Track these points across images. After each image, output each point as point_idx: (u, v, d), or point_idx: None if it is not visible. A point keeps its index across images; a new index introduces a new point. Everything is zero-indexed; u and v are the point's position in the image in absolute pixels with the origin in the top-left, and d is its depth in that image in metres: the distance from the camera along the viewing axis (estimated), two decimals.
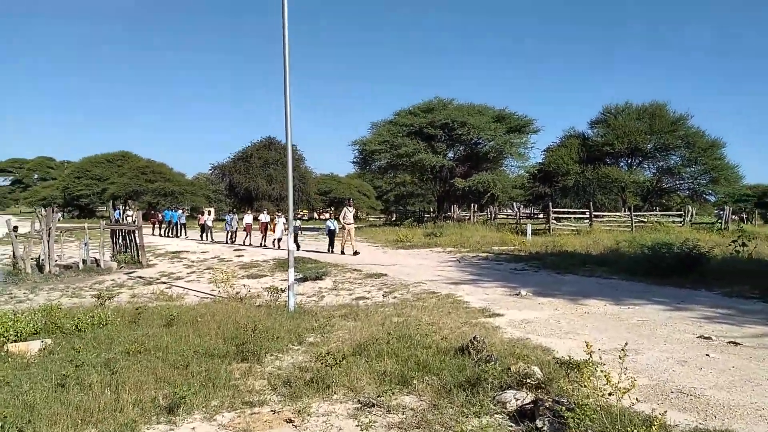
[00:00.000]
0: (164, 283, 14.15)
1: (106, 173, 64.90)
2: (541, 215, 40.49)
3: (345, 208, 20.30)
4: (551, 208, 31.97)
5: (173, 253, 21.33)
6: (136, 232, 17.78)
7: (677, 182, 41.76)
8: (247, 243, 24.98)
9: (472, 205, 39.61)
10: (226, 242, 26.08)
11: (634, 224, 30.72)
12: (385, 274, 13.94)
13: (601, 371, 4.85)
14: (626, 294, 10.60)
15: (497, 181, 40.43)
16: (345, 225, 19.69)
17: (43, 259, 15.64)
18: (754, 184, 73.26)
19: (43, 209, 17.32)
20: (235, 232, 26.69)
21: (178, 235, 32.01)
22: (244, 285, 13.40)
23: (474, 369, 5.76)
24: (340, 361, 5.96)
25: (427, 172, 43.51)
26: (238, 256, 19.83)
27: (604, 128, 41.51)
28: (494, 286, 11.97)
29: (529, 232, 27.75)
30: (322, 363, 5.93)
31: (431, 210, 52.23)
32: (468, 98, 47.95)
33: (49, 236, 15.40)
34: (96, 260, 16.93)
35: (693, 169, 39.53)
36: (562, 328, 7.90)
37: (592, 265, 14.71)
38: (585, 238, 23.91)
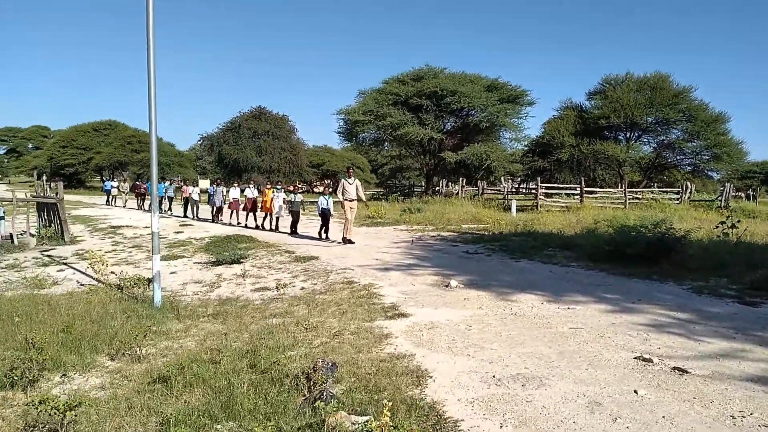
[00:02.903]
0: (65, 264, 12.42)
1: (91, 143, 63.16)
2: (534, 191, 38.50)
3: (343, 180, 14.92)
4: (539, 184, 30.04)
5: (113, 227, 19.62)
6: (58, 205, 16.01)
7: (678, 158, 39.43)
8: (233, 222, 21.02)
9: (461, 179, 37.66)
10: (212, 219, 22.38)
11: (628, 201, 28.75)
12: (317, 257, 12.17)
13: None
14: (575, 287, 8.75)
15: (490, 153, 38.32)
16: (344, 202, 14.64)
17: None
18: (762, 161, 70.76)
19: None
20: (221, 207, 22.36)
21: (163, 209, 28.36)
22: (148, 269, 11.67)
23: (296, 412, 4.01)
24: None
25: (414, 145, 41.41)
26: (177, 232, 18.09)
27: (602, 100, 39.07)
28: (428, 273, 10.16)
29: (513, 208, 25.95)
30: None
31: (422, 184, 50.22)
32: (461, 68, 45.56)
33: None
34: (11, 235, 15.23)
35: (695, 144, 37.13)
36: (468, 339, 6.10)
37: (554, 249, 12.85)
38: (571, 215, 22.05)
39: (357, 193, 14.71)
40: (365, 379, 4.86)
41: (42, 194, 17.63)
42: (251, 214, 20.21)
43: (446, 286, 8.95)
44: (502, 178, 42.17)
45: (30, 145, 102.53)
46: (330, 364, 4.80)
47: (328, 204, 15.51)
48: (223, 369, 5.15)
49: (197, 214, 24.45)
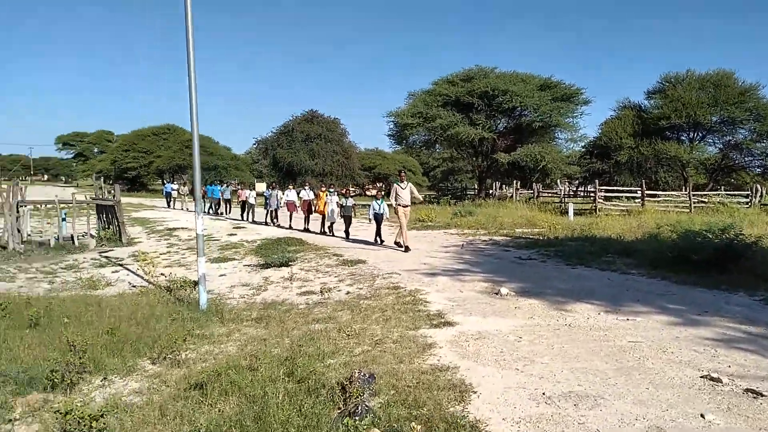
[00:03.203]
0: (120, 265, 12.69)
1: (152, 146, 65.31)
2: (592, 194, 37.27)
3: (395, 185, 14.07)
4: (598, 186, 29.02)
5: (170, 230, 20.05)
6: (116, 207, 16.45)
7: (746, 159, 37.36)
8: (292, 225, 20.23)
9: (515, 182, 36.87)
10: (266, 222, 22.27)
11: (693, 205, 27.37)
12: (364, 261, 12.00)
13: None
14: (634, 297, 8.23)
15: (545, 154, 37.35)
16: (397, 208, 13.86)
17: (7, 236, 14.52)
18: None
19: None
20: (276, 210, 21.90)
21: (219, 212, 29.23)
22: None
23: (329, 427, 3.82)
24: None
25: (465, 146, 40.82)
26: (230, 234, 18.32)
27: (662, 99, 37.43)
28: (478, 279, 9.81)
29: (570, 212, 25.11)
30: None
31: (475, 187, 49.44)
32: (512, 68, 44.56)
33: (10, 210, 14.21)
34: (72, 237, 15.73)
35: (764, 145, 35.12)
36: (517, 351, 5.76)
37: (613, 255, 12.22)
38: (632, 220, 21.10)
39: (412, 197, 14.12)
40: (405, 392, 4.61)
41: (101, 197, 18.13)
42: (307, 217, 19.60)
43: (496, 294, 8.59)
44: (559, 181, 41.02)
45: (96, 150, 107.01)
46: (367, 375, 4.57)
47: (380, 208, 15.07)
48: (261, 377, 5.00)
49: (254, 217, 24.33)
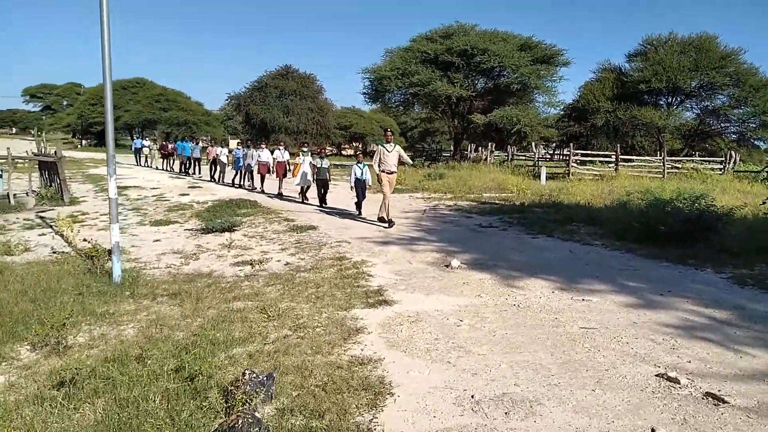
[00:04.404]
0: (50, 227, 11.71)
1: (120, 101, 62.80)
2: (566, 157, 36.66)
3: (380, 147, 11.88)
4: (573, 150, 28.38)
5: (121, 188, 18.93)
6: (57, 164, 15.33)
7: (722, 125, 36.95)
8: (259, 188, 18.48)
9: (490, 144, 36.07)
10: (234, 184, 20.22)
11: (666, 170, 26.90)
12: (316, 227, 11.22)
13: None
14: (594, 272, 7.59)
15: (521, 117, 36.48)
16: (380, 175, 11.71)
17: None
18: None
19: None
20: (251, 172, 19.29)
21: (189, 171, 26.45)
22: (134, 235, 10.91)
23: None
24: None
25: (442, 106, 39.78)
26: (182, 194, 17.33)
27: (643, 62, 36.60)
28: (431, 249, 9.10)
29: (543, 176, 24.58)
30: None
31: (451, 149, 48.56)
32: (493, 25, 43.30)
33: None
34: (7, 195, 14.64)
35: (741, 111, 34.63)
36: (454, 338, 5.06)
37: (578, 224, 11.60)
38: (604, 185, 20.51)
39: (400, 161, 12.04)
40: (310, 395, 3.88)
41: (41, 152, 16.95)
42: (281, 181, 17.48)
43: (447, 266, 7.89)
44: (534, 144, 40.35)
45: (65, 103, 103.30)
46: (263, 375, 3.82)
47: (363, 174, 12.86)
48: (146, 372, 4.23)
49: (224, 178, 22.08)
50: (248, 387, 3.63)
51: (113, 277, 7.04)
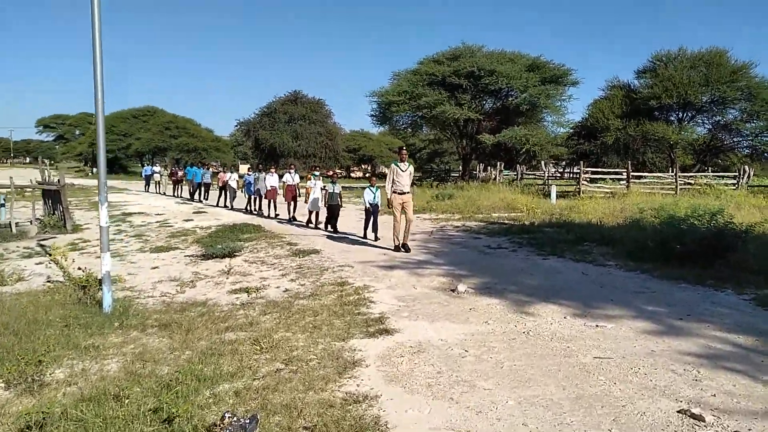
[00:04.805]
0: (49, 255, 11.49)
1: (131, 129, 63.46)
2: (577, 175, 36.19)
3: (393, 166, 10.93)
4: (583, 168, 27.99)
5: (125, 214, 18.83)
6: (60, 191, 15.21)
7: (735, 140, 36.41)
8: (271, 215, 17.78)
9: (498, 164, 35.76)
10: (247, 210, 19.64)
11: (679, 187, 26.43)
12: (319, 251, 10.93)
13: None
14: (609, 295, 7.20)
15: (530, 137, 36.18)
16: (392, 197, 10.76)
17: None
18: None
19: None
20: (260, 197, 18.76)
21: (200, 198, 25.64)
22: (132, 262, 10.67)
23: None
24: None
25: (451, 127, 39.61)
26: (186, 220, 17.12)
27: (652, 78, 36.26)
28: (437, 273, 8.75)
29: (553, 195, 24.20)
30: None
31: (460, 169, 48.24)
32: (500, 46, 43.25)
33: None
34: (9, 223, 14.50)
35: (754, 125, 34.13)
36: (458, 372, 4.70)
37: (591, 244, 11.21)
38: (615, 202, 20.12)
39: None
40: None
41: (45, 180, 16.87)
42: (293, 205, 16.76)
43: (453, 291, 7.54)
44: (543, 163, 39.96)
45: (77, 132, 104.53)
46: (246, 418, 3.48)
47: (375, 198, 12.42)
48: (122, 413, 3.91)
49: (232, 204, 21.65)
50: None
51: (103, 307, 6.76)
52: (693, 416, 3.77)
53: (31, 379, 4.72)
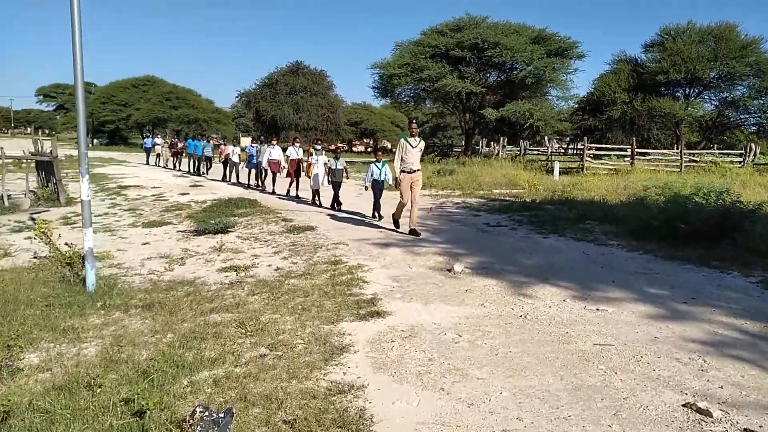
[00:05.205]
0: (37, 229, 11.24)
1: (131, 99, 62.91)
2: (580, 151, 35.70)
3: (403, 141, 10.05)
4: (587, 144, 27.56)
5: (122, 187, 18.58)
6: (53, 163, 14.92)
7: (742, 116, 35.84)
8: (273, 189, 17.22)
9: (501, 138, 35.26)
10: (248, 185, 19.04)
11: (684, 164, 26.02)
12: (314, 228, 10.66)
13: None
14: (610, 277, 6.94)
15: (534, 111, 35.60)
16: (402, 176, 9.97)
17: None
18: None
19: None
20: (263, 170, 18.22)
21: (200, 171, 25.19)
22: (123, 237, 10.43)
23: None
24: None
25: (453, 101, 38.98)
26: (182, 194, 16.85)
27: (660, 53, 35.52)
28: (434, 251, 8.50)
29: (556, 171, 23.82)
30: None
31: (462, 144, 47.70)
32: (505, 17, 42.38)
33: None
34: (0, 196, 14.25)
35: (762, 102, 33.52)
36: (451, 358, 4.47)
37: (593, 222, 10.93)
38: (619, 179, 19.79)
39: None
40: None
41: (38, 151, 16.57)
42: (295, 181, 15.97)
43: (449, 271, 7.29)
44: (547, 138, 39.43)
45: None
46: (220, 412, 3.25)
47: (382, 174, 11.54)
48: (92, 403, 3.69)
49: (238, 178, 20.94)
50: (198, 428, 3.07)
51: (87, 286, 6.53)
52: (699, 411, 3.53)
53: (3, 364, 4.50)
